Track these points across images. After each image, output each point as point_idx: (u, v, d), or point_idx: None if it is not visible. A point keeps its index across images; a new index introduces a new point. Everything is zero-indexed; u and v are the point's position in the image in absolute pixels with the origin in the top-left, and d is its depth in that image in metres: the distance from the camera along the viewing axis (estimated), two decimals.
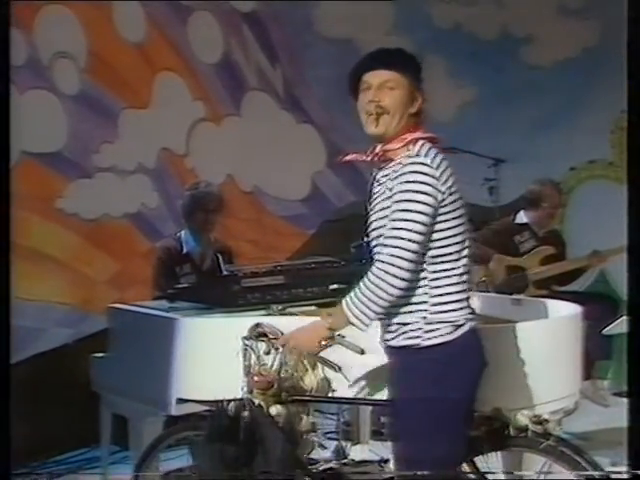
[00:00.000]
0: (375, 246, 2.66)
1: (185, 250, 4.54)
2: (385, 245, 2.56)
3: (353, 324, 2.59)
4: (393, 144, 2.65)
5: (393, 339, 2.68)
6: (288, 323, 3.04)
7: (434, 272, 2.61)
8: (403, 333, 2.64)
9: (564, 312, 3.41)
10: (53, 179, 5.07)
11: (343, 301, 2.62)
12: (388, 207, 2.59)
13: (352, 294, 2.60)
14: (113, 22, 5.34)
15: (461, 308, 2.63)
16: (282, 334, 2.80)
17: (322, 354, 2.93)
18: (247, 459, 2.74)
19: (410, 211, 2.52)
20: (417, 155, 2.58)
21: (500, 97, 6.35)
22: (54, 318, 5.01)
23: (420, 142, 2.63)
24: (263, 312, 3.43)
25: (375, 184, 2.72)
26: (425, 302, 2.61)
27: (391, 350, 2.71)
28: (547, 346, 3.08)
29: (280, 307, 3.46)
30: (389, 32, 6.21)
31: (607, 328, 3.92)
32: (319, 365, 2.94)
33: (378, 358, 2.83)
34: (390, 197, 2.59)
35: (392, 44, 2.82)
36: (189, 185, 4.75)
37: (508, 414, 2.72)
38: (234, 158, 5.90)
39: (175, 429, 3.20)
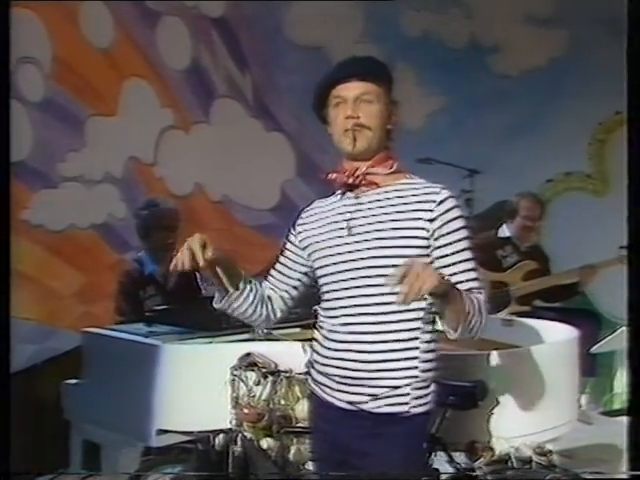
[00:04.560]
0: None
1: (146, 272, 4.35)
2: (473, 279, 2.32)
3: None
4: (379, 169, 2.40)
5: (367, 403, 2.31)
6: (273, 348, 2.94)
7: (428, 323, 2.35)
8: (387, 397, 2.29)
9: (560, 336, 3.31)
10: (17, 189, 4.87)
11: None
12: (429, 245, 2.32)
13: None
14: (79, 26, 5.23)
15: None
16: (275, 364, 2.67)
17: None
18: None
19: (470, 248, 2.36)
20: (437, 189, 2.37)
21: (470, 106, 6.29)
22: (18, 334, 4.81)
23: (407, 174, 2.44)
24: (247, 335, 3.29)
25: (359, 207, 2.41)
26: (416, 358, 2.31)
27: (360, 414, 2.32)
28: (547, 372, 2.99)
29: (265, 330, 3.32)
30: (359, 40, 6.14)
31: (596, 346, 3.86)
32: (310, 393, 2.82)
33: None
34: (432, 235, 2.31)
35: (362, 52, 2.68)
36: (142, 204, 4.56)
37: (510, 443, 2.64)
38: (203, 166, 5.79)
39: (156, 461, 3.06)
